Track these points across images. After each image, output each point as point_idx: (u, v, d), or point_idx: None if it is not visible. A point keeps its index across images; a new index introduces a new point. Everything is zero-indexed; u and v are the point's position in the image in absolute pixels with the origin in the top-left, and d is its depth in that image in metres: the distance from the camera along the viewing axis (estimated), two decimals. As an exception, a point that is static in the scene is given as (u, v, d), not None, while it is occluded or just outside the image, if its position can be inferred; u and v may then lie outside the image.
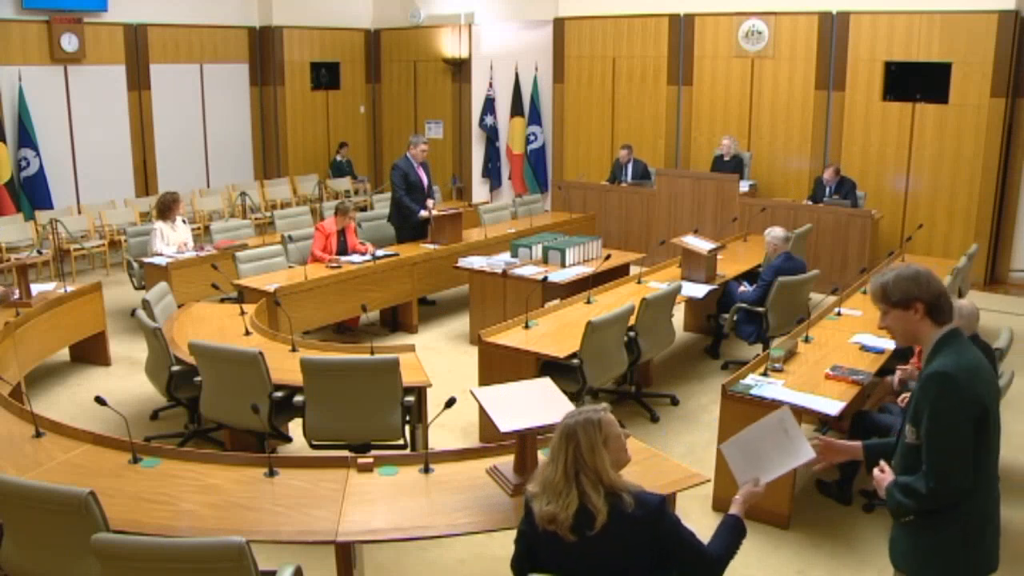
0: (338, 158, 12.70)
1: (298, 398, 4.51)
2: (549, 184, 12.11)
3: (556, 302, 6.09)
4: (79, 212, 10.13)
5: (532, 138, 12.32)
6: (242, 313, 5.51)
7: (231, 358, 4.59)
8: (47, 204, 9.91)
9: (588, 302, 6.10)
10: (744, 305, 6.34)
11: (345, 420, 4.46)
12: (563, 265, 7.05)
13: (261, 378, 4.48)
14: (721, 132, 10.47)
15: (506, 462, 3.44)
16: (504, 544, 2.93)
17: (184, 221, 7.89)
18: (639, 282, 6.64)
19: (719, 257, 6.93)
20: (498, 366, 5.17)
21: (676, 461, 3.65)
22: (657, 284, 6.45)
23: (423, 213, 7.92)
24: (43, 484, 3.07)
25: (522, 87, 12.17)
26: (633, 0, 11.08)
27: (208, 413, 4.84)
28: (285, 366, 4.69)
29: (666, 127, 11.16)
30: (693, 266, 6.73)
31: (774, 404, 4.22)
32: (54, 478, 3.33)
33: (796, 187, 10.16)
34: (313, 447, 4.55)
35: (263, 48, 12.24)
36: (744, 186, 9.70)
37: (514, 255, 7.35)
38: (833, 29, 9.78)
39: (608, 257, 7.07)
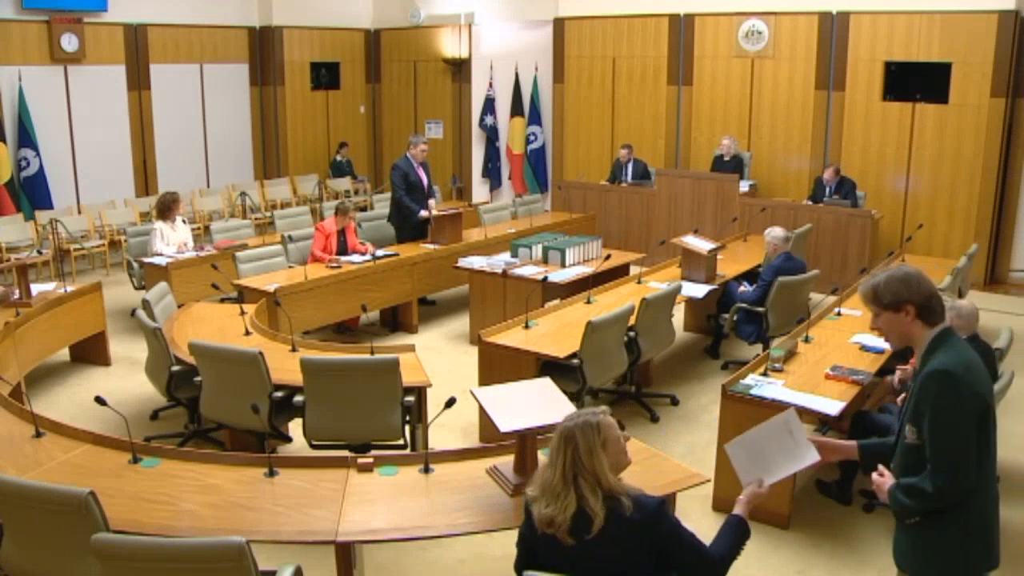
0: (338, 158, 12.69)
1: (298, 398, 4.51)
2: (549, 184, 12.10)
3: (556, 302, 6.09)
4: (79, 212, 10.13)
5: (532, 138, 12.31)
6: (242, 313, 5.52)
7: (231, 358, 4.59)
8: (47, 204, 9.91)
9: (588, 302, 6.10)
10: (744, 305, 6.34)
11: (345, 420, 4.46)
12: (563, 265, 7.05)
13: (261, 378, 4.48)
14: (721, 132, 10.47)
15: (506, 462, 3.44)
16: (504, 544, 2.93)
17: (184, 221, 7.89)
18: (639, 282, 6.64)
19: (719, 257, 6.93)
20: (498, 366, 5.17)
21: (676, 461, 3.65)
22: (657, 284, 6.45)
23: (423, 213, 7.92)
24: (43, 484, 3.07)
25: (522, 87, 12.17)
26: (633, 0, 11.08)
27: (208, 413, 4.84)
28: (285, 366, 4.69)
29: (666, 127, 11.16)
30: (693, 266, 6.73)
31: (774, 404, 4.23)
32: (54, 478, 3.33)
33: (796, 187, 10.16)
34: (313, 447, 4.55)
35: (263, 48, 12.24)
36: (744, 186, 9.69)
37: (514, 255, 7.35)
38: (833, 29, 9.78)
39: (608, 257, 7.07)
